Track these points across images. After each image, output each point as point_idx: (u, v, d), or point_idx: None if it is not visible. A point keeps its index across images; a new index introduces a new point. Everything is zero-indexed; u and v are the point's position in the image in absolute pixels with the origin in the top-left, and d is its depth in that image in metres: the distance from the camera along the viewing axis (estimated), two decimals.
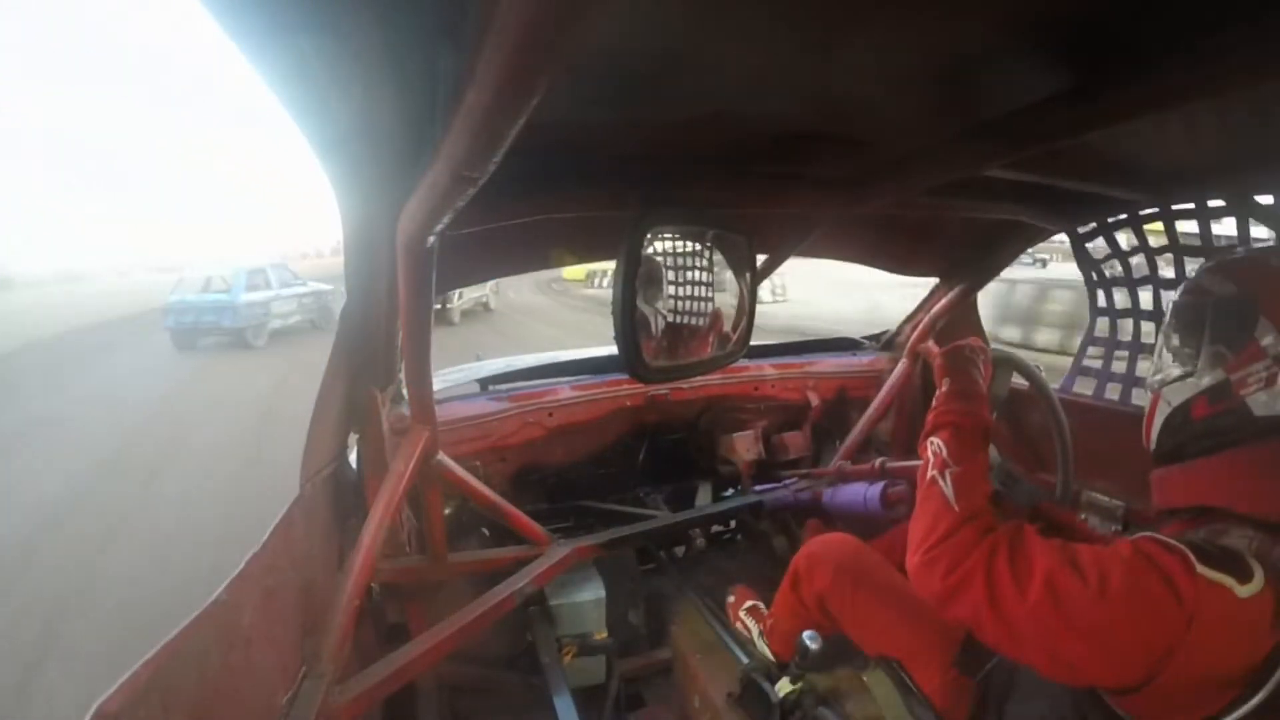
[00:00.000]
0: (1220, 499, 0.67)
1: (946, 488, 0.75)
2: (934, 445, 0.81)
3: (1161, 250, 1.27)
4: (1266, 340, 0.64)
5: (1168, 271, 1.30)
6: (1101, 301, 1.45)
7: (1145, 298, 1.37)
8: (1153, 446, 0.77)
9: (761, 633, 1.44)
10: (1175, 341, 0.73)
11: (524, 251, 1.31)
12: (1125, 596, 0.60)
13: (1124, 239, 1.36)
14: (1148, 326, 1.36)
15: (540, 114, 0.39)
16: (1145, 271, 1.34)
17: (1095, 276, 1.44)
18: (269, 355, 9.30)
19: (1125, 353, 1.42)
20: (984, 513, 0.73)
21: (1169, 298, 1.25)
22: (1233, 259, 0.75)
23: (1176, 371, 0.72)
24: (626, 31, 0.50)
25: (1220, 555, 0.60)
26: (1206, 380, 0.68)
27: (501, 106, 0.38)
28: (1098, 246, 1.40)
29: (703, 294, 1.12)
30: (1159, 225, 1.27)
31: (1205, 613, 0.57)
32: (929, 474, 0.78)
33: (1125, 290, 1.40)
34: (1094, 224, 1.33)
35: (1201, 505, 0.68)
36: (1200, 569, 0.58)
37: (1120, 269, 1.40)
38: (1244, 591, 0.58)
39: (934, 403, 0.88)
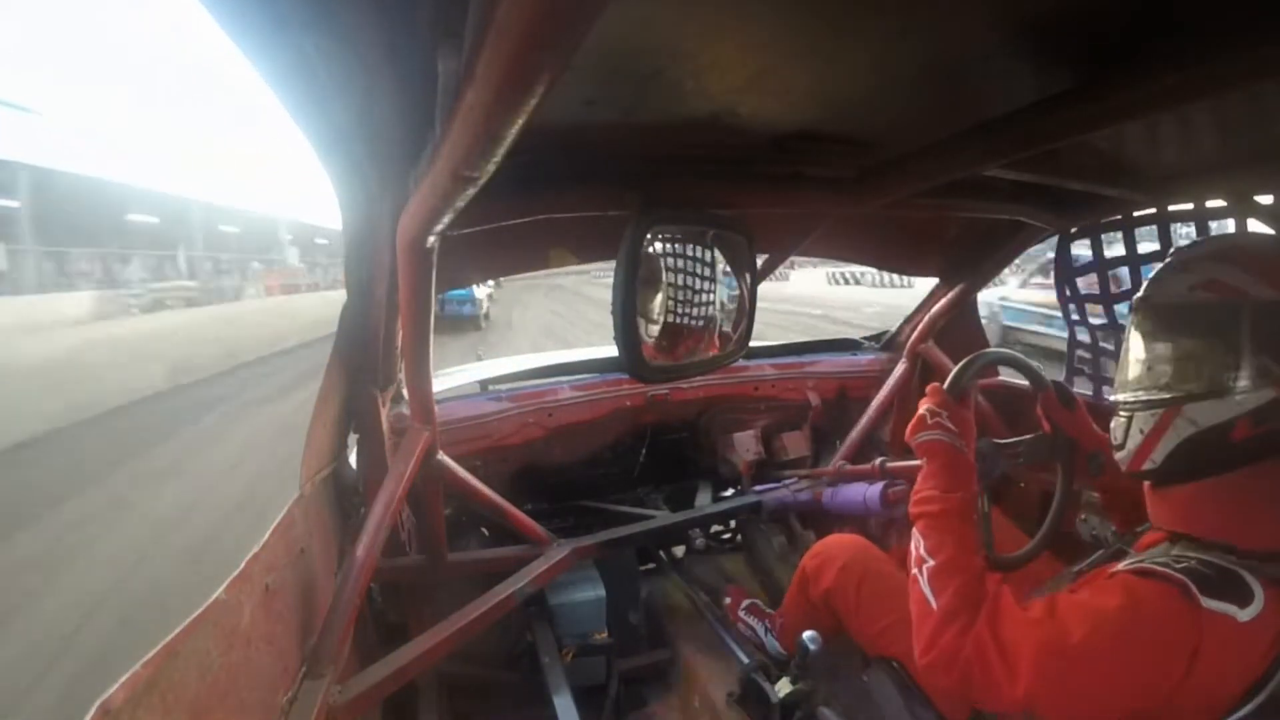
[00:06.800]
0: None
1: (925, 587, 0.74)
2: (914, 538, 0.80)
3: (1149, 258, 1.22)
4: None
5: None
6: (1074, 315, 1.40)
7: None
8: (1152, 466, 0.70)
9: (769, 629, 1.44)
10: (1189, 349, 0.65)
11: (524, 251, 1.31)
12: (1117, 647, 0.59)
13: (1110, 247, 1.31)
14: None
15: (540, 114, 0.39)
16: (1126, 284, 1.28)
17: (1069, 291, 1.40)
18: None
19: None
20: (964, 607, 0.70)
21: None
22: (1237, 248, 0.69)
23: (1202, 386, 0.64)
24: (626, 31, 0.50)
25: (1221, 581, 0.58)
26: (1253, 400, 0.61)
27: (501, 106, 0.38)
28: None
29: (703, 294, 1.12)
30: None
31: (1209, 643, 0.56)
32: (911, 570, 0.78)
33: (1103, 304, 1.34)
34: (1086, 223, 1.32)
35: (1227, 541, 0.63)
36: (1205, 602, 0.57)
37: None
38: (1245, 616, 0.57)
39: (914, 487, 0.86)
